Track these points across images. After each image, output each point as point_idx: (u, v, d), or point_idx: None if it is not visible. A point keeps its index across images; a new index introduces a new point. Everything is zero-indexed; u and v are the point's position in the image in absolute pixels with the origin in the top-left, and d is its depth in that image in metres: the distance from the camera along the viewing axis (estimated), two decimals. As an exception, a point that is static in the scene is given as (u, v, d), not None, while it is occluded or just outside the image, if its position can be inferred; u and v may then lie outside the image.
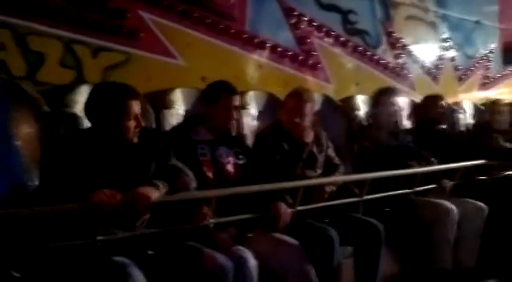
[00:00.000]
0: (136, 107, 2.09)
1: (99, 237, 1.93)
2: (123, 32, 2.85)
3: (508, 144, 3.70)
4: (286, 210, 2.42)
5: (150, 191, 1.93)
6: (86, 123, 2.45)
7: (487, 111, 4.19)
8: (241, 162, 2.53)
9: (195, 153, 2.41)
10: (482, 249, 3.19)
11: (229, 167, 2.48)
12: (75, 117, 2.43)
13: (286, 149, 2.72)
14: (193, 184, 2.15)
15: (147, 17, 2.95)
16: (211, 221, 2.20)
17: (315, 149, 2.81)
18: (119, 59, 2.85)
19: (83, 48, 2.72)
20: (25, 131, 2.26)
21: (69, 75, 2.67)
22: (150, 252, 2.05)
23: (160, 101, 2.80)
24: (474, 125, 4.31)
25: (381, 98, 3.40)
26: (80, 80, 2.68)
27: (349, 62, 4.17)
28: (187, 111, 2.86)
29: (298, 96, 2.81)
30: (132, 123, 2.08)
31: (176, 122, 2.71)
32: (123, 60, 2.86)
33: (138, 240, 2.04)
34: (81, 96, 2.50)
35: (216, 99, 2.50)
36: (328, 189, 2.73)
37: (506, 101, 4.24)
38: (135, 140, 2.11)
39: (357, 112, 3.76)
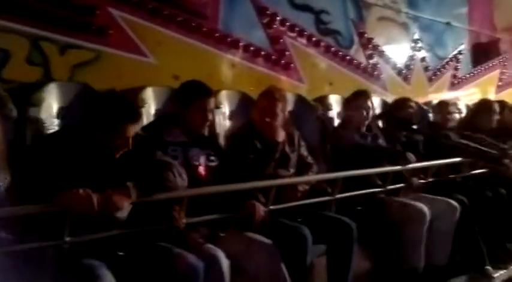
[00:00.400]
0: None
1: (67, 239, 1.87)
2: (92, 29, 2.79)
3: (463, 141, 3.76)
4: (260, 208, 2.40)
5: (123, 197, 1.88)
6: (52, 122, 2.42)
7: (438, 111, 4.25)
8: (213, 164, 2.50)
9: (167, 154, 2.36)
10: (454, 246, 3.23)
11: (201, 170, 2.44)
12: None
13: (259, 148, 2.70)
14: (180, 181, 2.10)
15: (117, 14, 2.90)
16: (183, 221, 2.16)
17: (287, 148, 2.81)
18: (88, 57, 2.79)
19: (51, 46, 2.65)
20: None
21: (36, 72, 2.60)
22: (120, 253, 2.00)
23: (131, 100, 2.74)
24: (428, 125, 4.36)
25: (354, 99, 3.41)
26: (47, 78, 2.61)
27: (322, 62, 4.19)
28: (158, 110, 2.82)
29: (271, 95, 2.80)
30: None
31: (147, 121, 2.66)
32: (92, 58, 2.80)
33: (108, 241, 1.98)
34: (49, 94, 2.45)
35: (192, 100, 2.45)
36: (301, 188, 2.72)
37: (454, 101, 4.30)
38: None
39: (330, 112, 3.78)
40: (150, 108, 2.81)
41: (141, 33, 3.01)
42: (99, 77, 2.73)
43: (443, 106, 4.18)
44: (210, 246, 2.16)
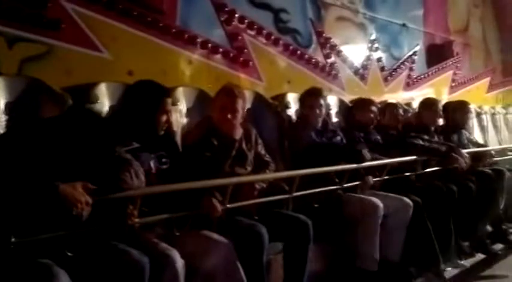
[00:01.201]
0: None
1: (13, 240, 1.80)
2: (43, 22, 2.69)
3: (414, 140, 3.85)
4: (217, 205, 2.38)
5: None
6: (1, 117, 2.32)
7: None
8: (164, 166, 2.42)
9: None
10: (407, 243, 3.29)
11: (152, 176, 2.33)
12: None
13: (216, 146, 2.67)
14: (136, 182, 2.04)
15: (70, 7, 2.81)
16: (136, 220, 2.11)
17: (244, 146, 2.79)
18: (39, 51, 2.69)
19: (-2, 38, 2.55)
20: None
21: (-18, 66, 2.49)
22: (69, 253, 1.94)
23: (84, 95, 2.66)
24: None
25: (308, 98, 3.43)
26: (-6, 72, 2.50)
27: (281, 60, 4.21)
28: (113, 107, 2.74)
29: (231, 92, 2.78)
30: None
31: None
32: (43, 52, 2.71)
33: (57, 241, 1.92)
34: (-4, 88, 2.35)
35: (149, 103, 2.37)
36: (258, 186, 2.71)
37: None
38: None
39: (288, 110, 3.79)
40: (104, 104, 2.72)
41: (96, 27, 2.93)
42: (51, 72, 2.63)
43: (391, 108, 4.25)
44: (164, 245, 2.12)
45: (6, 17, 2.56)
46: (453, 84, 6.60)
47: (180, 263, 2.05)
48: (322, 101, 3.41)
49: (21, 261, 1.80)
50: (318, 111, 3.37)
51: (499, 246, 4.11)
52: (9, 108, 2.36)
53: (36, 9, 2.67)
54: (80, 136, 2.01)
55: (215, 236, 2.34)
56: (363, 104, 4.00)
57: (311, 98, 3.41)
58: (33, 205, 1.76)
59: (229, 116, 2.72)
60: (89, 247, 1.97)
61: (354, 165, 3.17)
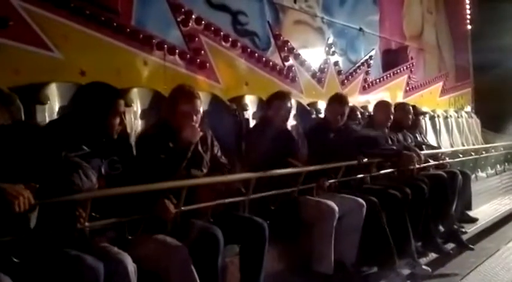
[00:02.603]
0: None
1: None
2: (-11, 19, 2.59)
3: None
4: (170, 207, 2.33)
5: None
6: None
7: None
8: (116, 172, 2.34)
9: None
10: (362, 243, 3.34)
11: (101, 181, 2.24)
12: None
13: (171, 148, 2.63)
14: (87, 184, 1.98)
15: (18, 4, 2.72)
16: (86, 224, 2.05)
17: (200, 148, 2.76)
18: (-16, 49, 2.59)
19: None
20: None
21: None
22: (15, 260, 1.86)
23: (33, 96, 2.57)
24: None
25: (275, 101, 3.42)
26: None
27: (239, 63, 4.20)
28: (63, 107, 2.66)
29: (189, 96, 2.69)
30: None
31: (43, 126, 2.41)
32: (-12, 51, 2.60)
33: (3, 246, 1.83)
34: None
35: (102, 105, 2.27)
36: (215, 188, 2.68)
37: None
38: None
39: (245, 112, 3.78)
40: (54, 105, 2.65)
41: (46, 25, 2.85)
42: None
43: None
44: (116, 250, 2.06)
45: None
46: (408, 88, 6.77)
47: (131, 267, 1.99)
48: (289, 104, 3.42)
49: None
50: (284, 113, 3.38)
51: (450, 246, 4.21)
52: None
53: (-19, 5, 2.57)
54: (23, 147, 1.93)
55: (169, 239, 2.30)
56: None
57: (279, 101, 3.40)
58: None
59: (193, 122, 2.66)
60: (38, 253, 1.89)
61: (312, 167, 3.18)
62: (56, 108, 2.65)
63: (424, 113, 5.67)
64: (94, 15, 3.07)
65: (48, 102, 2.61)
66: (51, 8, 2.86)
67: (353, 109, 4.37)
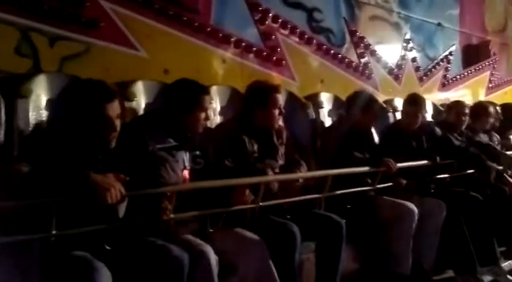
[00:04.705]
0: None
1: (54, 232, 1.84)
2: (82, 21, 2.76)
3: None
4: (248, 198, 2.40)
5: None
6: (40, 114, 2.38)
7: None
8: (198, 166, 2.44)
9: None
10: (441, 246, 3.24)
11: (186, 173, 2.37)
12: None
13: (250, 142, 2.69)
14: (174, 177, 2.07)
15: (108, 6, 2.87)
16: (171, 216, 2.14)
17: (275, 140, 2.80)
18: (78, 49, 2.76)
19: (40, 37, 2.62)
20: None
21: (25, 64, 2.57)
22: (107, 247, 1.98)
23: (121, 93, 2.70)
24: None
25: (362, 103, 3.35)
26: (36, 70, 2.57)
27: (314, 60, 4.18)
28: (148, 104, 2.79)
29: (277, 90, 2.83)
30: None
31: (130, 121, 2.54)
32: (82, 51, 2.77)
33: (96, 234, 1.96)
34: (38, 86, 2.41)
35: (193, 102, 2.38)
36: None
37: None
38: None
39: (321, 110, 3.77)
40: (141, 102, 2.78)
41: (132, 26, 2.98)
42: (89, 70, 2.68)
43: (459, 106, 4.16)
44: (199, 241, 2.14)
45: (47, 16, 2.63)
46: (490, 86, 6.45)
47: (213, 259, 2.06)
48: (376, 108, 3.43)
49: (61, 253, 1.84)
50: (371, 116, 3.35)
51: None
52: (49, 105, 2.43)
53: (75, 8, 2.73)
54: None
55: (248, 233, 2.35)
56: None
57: (368, 103, 3.33)
58: (67, 194, 1.77)
59: (276, 112, 2.77)
60: (126, 242, 2.00)
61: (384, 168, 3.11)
62: (142, 105, 2.77)
63: None
64: (176, 15, 3.18)
65: (135, 99, 2.74)
66: (137, 9, 3.00)
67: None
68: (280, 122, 2.87)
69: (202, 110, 2.41)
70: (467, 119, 4.06)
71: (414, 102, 3.60)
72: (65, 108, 2.10)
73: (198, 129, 2.44)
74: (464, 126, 4.07)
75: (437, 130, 3.81)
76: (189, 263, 1.96)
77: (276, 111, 2.74)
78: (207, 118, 2.45)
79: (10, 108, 2.28)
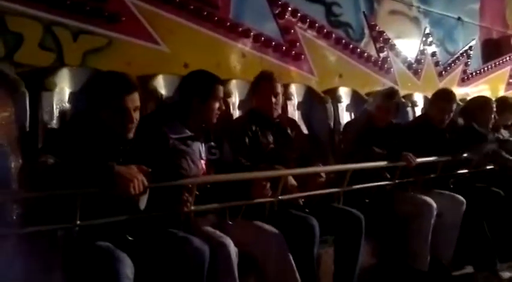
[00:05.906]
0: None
1: (78, 222, 1.88)
2: (104, 15, 2.80)
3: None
4: (267, 191, 2.41)
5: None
6: (64, 107, 2.43)
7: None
8: (213, 157, 2.48)
9: None
10: (460, 241, 3.22)
11: (202, 164, 2.40)
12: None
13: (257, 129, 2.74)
14: (194, 169, 2.09)
15: (129, 0, 2.90)
16: (192, 208, 2.17)
17: (289, 131, 2.84)
18: (100, 43, 2.81)
19: (64, 31, 2.67)
20: (2, 113, 2.20)
21: (48, 57, 2.61)
22: (130, 238, 2.01)
23: (142, 87, 2.74)
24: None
25: (385, 99, 3.31)
26: (59, 63, 2.62)
27: (332, 54, 4.17)
28: (169, 98, 2.82)
29: (270, 77, 2.88)
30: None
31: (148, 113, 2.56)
32: (104, 45, 2.82)
33: (118, 225, 1.99)
34: (61, 79, 2.46)
35: (208, 92, 2.42)
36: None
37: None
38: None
39: (339, 104, 3.77)
40: (161, 96, 2.81)
41: (153, 20, 3.01)
42: (111, 64, 2.71)
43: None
44: (219, 233, 2.17)
45: (70, 11, 2.67)
46: (511, 81, 6.36)
47: (234, 251, 2.09)
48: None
49: (85, 244, 1.88)
50: (390, 112, 3.31)
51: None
52: (73, 98, 2.47)
53: (97, 2, 2.77)
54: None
55: (267, 226, 2.37)
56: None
57: (386, 99, 3.29)
58: (91, 186, 1.79)
59: (272, 99, 2.80)
60: (148, 233, 2.03)
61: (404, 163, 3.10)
62: (163, 98, 2.80)
63: None
64: (197, 9, 3.20)
65: (156, 92, 2.77)
66: (158, 4, 3.03)
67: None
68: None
69: (216, 99, 2.44)
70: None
71: (448, 98, 3.49)
72: (87, 100, 2.12)
73: (212, 119, 2.46)
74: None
75: (460, 120, 3.76)
76: (209, 254, 1.98)
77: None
78: (220, 108, 2.47)
79: (35, 101, 2.33)
